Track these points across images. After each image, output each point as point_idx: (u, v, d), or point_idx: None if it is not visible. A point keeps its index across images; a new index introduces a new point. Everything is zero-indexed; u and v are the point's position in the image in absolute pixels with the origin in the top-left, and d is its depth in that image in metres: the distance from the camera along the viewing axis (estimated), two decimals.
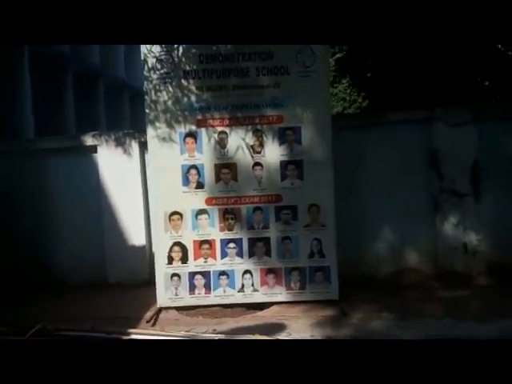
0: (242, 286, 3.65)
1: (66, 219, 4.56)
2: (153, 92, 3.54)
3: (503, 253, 4.04)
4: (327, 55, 3.57)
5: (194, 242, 3.63)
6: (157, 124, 3.56)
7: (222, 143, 3.57)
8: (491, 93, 7.34)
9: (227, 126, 3.56)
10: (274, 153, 3.56)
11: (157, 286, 3.67)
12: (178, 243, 3.63)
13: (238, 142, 3.56)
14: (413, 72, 6.85)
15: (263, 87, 3.53)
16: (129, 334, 3.18)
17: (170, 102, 3.54)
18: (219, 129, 3.56)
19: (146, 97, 3.55)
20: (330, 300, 3.61)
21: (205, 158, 3.58)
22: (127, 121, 12.09)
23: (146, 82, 3.54)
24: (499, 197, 4.09)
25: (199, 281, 3.65)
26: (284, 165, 3.57)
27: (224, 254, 3.64)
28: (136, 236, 4.47)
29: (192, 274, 3.65)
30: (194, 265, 3.64)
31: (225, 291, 3.65)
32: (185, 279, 3.65)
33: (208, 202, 3.60)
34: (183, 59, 3.51)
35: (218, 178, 3.59)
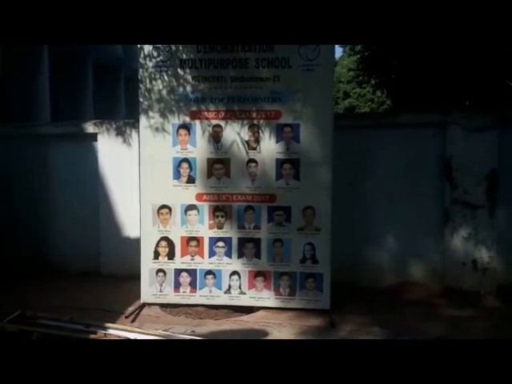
0: (229, 287, 3.48)
1: (63, 206, 4.52)
2: (147, 80, 3.41)
3: None
4: (332, 49, 3.34)
5: (182, 238, 3.49)
6: (150, 113, 3.43)
7: (216, 137, 3.41)
8: None
9: (222, 119, 3.39)
10: (270, 150, 3.37)
11: (141, 281, 3.56)
12: (165, 238, 3.51)
13: (233, 136, 3.39)
14: (437, 73, 6.50)
15: (262, 80, 3.34)
16: (105, 328, 3.09)
17: (164, 92, 3.40)
18: (214, 122, 3.40)
19: (141, 85, 3.43)
20: (320, 309, 3.40)
21: (197, 151, 3.43)
22: None
23: (141, 70, 3.42)
24: None
25: (185, 278, 3.51)
26: (280, 163, 3.37)
27: (212, 253, 3.48)
28: (131, 228, 4.36)
29: (178, 271, 3.51)
30: (180, 262, 3.51)
31: (211, 291, 3.50)
32: (170, 276, 3.52)
33: (198, 197, 3.46)
34: (180, 48, 3.36)
35: (210, 173, 3.43)
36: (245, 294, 3.48)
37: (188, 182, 3.45)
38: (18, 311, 3.22)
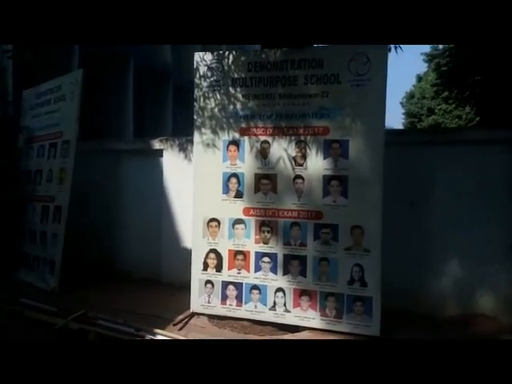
0: (274, 303, 3.46)
1: (131, 217, 4.89)
2: (202, 99, 3.59)
3: None
4: (384, 62, 3.19)
5: (230, 251, 3.57)
6: (203, 130, 3.60)
7: (263, 153, 3.45)
8: None
9: (270, 135, 3.43)
10: (317, 166, 3.32)
11: (191, 291, 3.69)
12: (213, 250, 3.61)
13: (280, 152, 3.40)
14: None
15: (310, 96, 3.32)
16: (154, 333, 3.25)
17: (216, 109, 3.55)
18: (262, 138, 3.45)
19: (195, 103, 3.62)
20: (369, 335, 3.21)
21: (246, 166, 3.50)
22: None
23: (196, 90, 3.61)
24: None
25: (231, 291, 3.57)
26: (327, 180, 3.30)
27: (258, 268, 3.50)
28: (190, 239, 4.56)
29: (225, 284, 3.59)
30: (227, 274, 3.58)
31: (256, 306, 3.50)
32: (218, 287, 3.61)
33: (246, 212, 3.51)
34: (232, 67, 3.49)
35: (257, 188, 3.48)
36: (290, 312, 3.42)
37: (236, 196, 3.53)
38: (82, 311, 3.54)
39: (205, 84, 3.59)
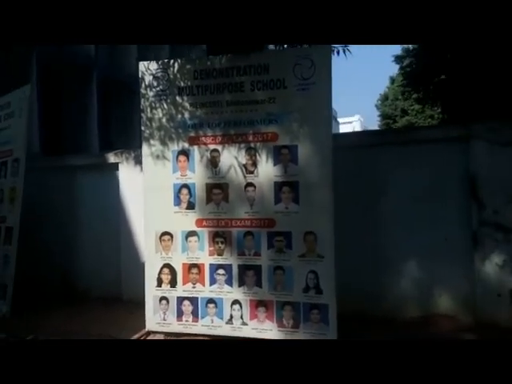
0: (231, 317, 3.35)
1: (87, 234, 4.73)
2: (148, 109, 3.50)
3: None
4: (328, 66, 3.16)
5: (183, 264, 3.45)
6: (151, 141, 3.50)
7: (213, 162, 3.37)
8: None
9: (220, 143, 3.35)
10: (267, 173, 3.25)
11: (146, 309, 3.55)
12: (167, 265, 3.49)
13: (231, 160, 3.33)
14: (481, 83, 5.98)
15: (258, 102, 3.26)
16: None
17: (164, 120, 3.46)
18: (211, 147, 3.37)
19: (142, 114, 3.52)
20: None
21: (196, 176, 3.41)
22: None
23: (142, 100, 3.51)
24: None
25: (187, 307, 3.44)
26: (278, 186, 3.23)
27: (213, 281, 3.39)
28: None
29: (180, 299, 3.46)
30: (182, 289, 3.45)
31: (212, 321, 3.39)
32: (173, 304, 3.47)
33: (198, 223, 3.41)
34: (178, 75, 3.42)
35: (209, 199, 3.39)
36: (247, 324, 3.32)
37: (188, 208, 3.43)
38: (32, 335, 3.39)
39: (151, 94, 3.50)
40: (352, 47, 4.52)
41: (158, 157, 3.48)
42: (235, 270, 3.33)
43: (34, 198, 4.54)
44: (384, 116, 24.43)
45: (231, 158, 3.33)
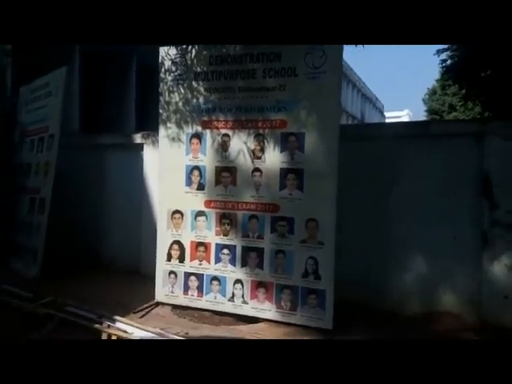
0: (233, 295, 3.50)
1: (113, 209, 5.03)
2: (167, 93, 3.67)
3: None
4: (339, 55, 3.17)
5: (192, 242, 3.63)
6: (168, 124, 3.67)
7: (224, 146, 3.50)
8: None
9: (230, 128, 3.47)
10: (274, 159, 3.34)
11: (156, 281, 3.78)
12: (177, 241, 3.68)
13: (240, 145, 3.44)
14: None
15: (268, 90, 3.34)
16: (113, 320, 3.35)
17: (180, 103, 3.62)
18: (222, 131, 3.50)
19: (161, 98, 3.69)
20: (323, 328, 3.21)
21: (207, 159, 3.55)
22: None
23: (161, 84, 3.68)
24: None
25: (193, 282, 3.63)
26: (284, 173, 3.31)
27: (218, 259, 3.55)
28: None
29: (187, 275, 3.65)
30: (189, 265, 3.64)
31: (215, 297, 3.56)
32: (180, 278, 3.68)
33: (207, 204, 3.57)
34: (195, 61, 3.55)
35: (218, 181, 3.53)
36: (247, 303, 3.46)
37: (198, 188, 3.59)
38: (51, 297, 3.69)
39: (169, 78, 3.66)
40: None
41: (173, 139, 3.66)
42: (239, 251, 3.47)
43: (69, 173, 4.88)
44: (431, 111, 23.38)
45: (241, 143, 3.44)
